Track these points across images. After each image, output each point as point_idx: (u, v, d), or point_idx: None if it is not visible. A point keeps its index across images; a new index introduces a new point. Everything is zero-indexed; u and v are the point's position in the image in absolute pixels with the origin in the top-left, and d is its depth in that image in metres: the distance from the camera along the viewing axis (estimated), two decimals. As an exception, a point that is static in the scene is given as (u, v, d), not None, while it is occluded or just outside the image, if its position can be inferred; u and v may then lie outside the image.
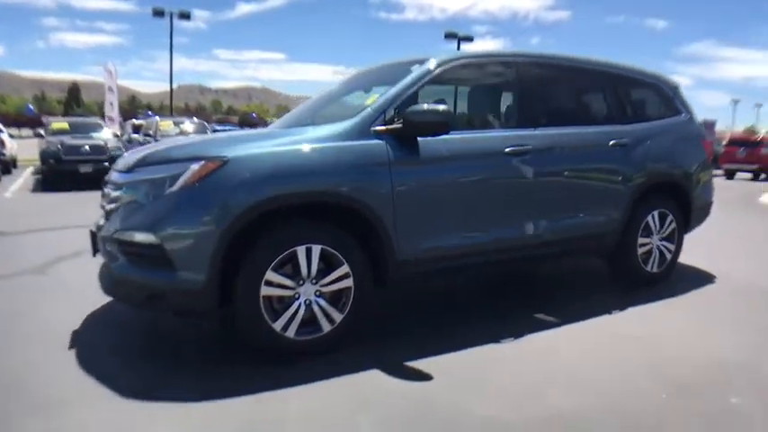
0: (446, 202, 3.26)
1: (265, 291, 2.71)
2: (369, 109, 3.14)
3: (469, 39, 32.48)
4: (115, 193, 2.92)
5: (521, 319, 3.56)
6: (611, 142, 4.02)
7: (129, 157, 3.10)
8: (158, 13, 28.98)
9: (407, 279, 3.20)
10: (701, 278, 4.64)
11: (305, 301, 2.81)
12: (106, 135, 13.16)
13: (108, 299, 3.13)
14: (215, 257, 2.62)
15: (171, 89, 31.45)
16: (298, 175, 2.83)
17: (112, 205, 2.90)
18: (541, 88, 3.88)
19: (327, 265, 2.84)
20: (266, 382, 2.57)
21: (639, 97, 4.49)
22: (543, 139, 3.65)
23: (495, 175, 3.47)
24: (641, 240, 4.24)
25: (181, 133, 13.08)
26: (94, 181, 8.82)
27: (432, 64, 3.38)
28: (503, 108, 3.99)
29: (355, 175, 2.95)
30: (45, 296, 3.94)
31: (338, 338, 2.92)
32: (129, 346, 3.05)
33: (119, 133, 17.33)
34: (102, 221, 3.05)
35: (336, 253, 2.86)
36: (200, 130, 13.95)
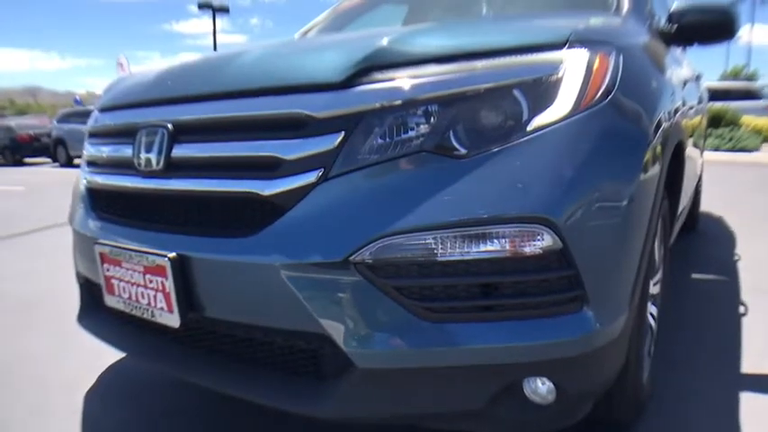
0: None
1: (651, 310, 1.48)
2: (627, 1, 1.89)
3: (225, 10, 30.01)
4: (310, 145, 1.11)
5: (701, 287, 2.79)
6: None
7: (313, 60, 1.25)
8: None
9: None
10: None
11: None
12: None
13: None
14: (642, 259, 1.21)
15: None
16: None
17: (300, 180, 1.11)
18: None
19: None
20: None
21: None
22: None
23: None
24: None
25: None
26: None
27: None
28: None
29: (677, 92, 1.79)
30: None
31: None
32: None
33: None
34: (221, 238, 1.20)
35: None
36: None
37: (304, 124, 1.12)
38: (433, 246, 1.03)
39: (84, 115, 14.12)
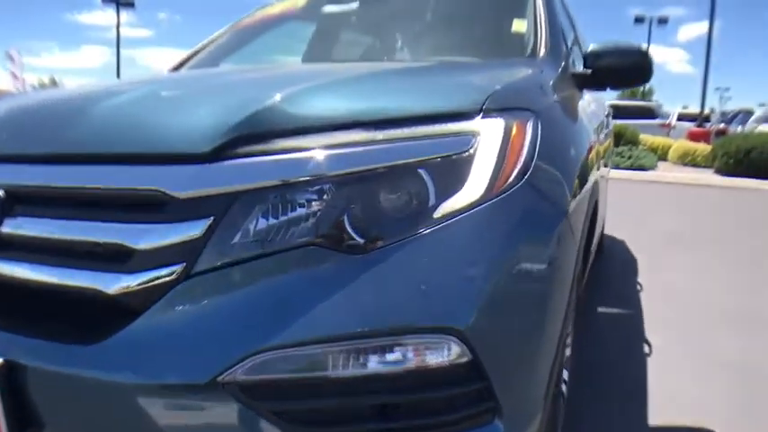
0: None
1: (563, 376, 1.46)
2: (545, 43, 1.81)
3: (131, 4, 28.48)
4: (167, 234, 0.89)
5: (611, 323, 2.82)
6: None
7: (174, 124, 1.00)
8: None
9: None
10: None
11: None
12: None
13: None
14: (557, 357, 1.10)
15: None
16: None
17: (157, 274, 0.88)
18: None
19: None
20: None
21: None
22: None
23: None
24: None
25: None
26: None
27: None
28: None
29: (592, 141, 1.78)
30: None
31: None
32: None
33: None
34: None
35: None
36: None
37: (161, 205, 0.90)
38: (322, 361, 0.85)
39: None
